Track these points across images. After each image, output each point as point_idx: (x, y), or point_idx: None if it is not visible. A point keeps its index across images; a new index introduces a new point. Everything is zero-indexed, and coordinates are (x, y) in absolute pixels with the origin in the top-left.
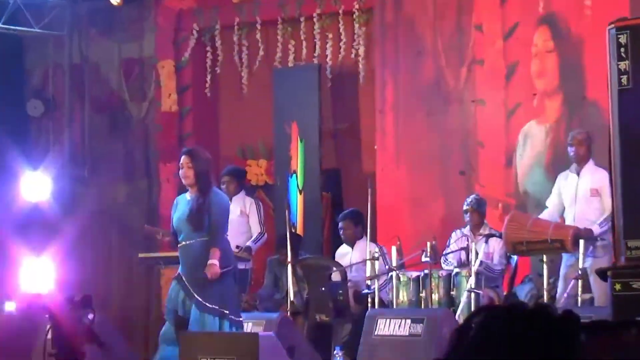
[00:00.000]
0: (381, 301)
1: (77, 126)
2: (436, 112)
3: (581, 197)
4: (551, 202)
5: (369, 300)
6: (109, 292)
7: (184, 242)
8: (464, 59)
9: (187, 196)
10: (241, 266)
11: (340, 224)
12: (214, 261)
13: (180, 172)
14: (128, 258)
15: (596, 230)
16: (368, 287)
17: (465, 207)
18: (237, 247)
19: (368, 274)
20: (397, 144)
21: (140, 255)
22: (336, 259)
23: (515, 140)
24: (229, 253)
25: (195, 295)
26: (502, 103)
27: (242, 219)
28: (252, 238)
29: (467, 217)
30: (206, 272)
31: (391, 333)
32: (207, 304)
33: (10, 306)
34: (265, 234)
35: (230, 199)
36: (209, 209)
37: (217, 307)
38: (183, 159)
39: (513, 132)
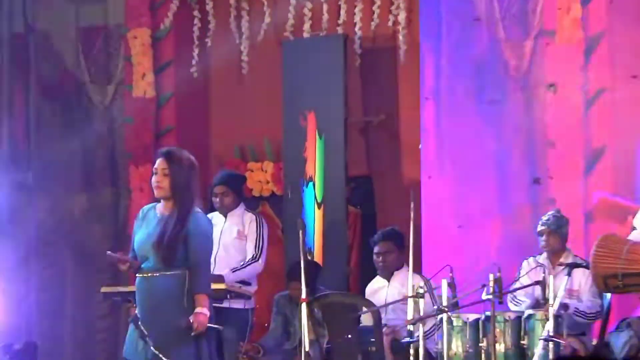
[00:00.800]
0: (428, 353)
1: (20, 116)
2: (493, 101)
3: None
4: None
5: (412, 351)
6: (60, 338)
7: (146, 274)
8: (529, 30)
9: (158, 211)
10: (238, 305)
11: (375, 249)
12: (203, 310)
13: (153, 178)
14: (86, 292)
15: None
16: (410, 334)
17: (540, 228)
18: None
19: (410, 316)
20: (445, 143)
21: (103, 289)
22: (367, 296)
23: (597, 136)
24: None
25: (158, 354)
26: (580, 89)
27: (242, 242)
28: (242, 262)
29: (542, 241)
30: (191, 321)
31: None
32: (162, 357)
33: None
34: (260, 260)
35: (225, 216)
36: (185, 238)
37: None
38: (158, 162)
39: (593, 127)
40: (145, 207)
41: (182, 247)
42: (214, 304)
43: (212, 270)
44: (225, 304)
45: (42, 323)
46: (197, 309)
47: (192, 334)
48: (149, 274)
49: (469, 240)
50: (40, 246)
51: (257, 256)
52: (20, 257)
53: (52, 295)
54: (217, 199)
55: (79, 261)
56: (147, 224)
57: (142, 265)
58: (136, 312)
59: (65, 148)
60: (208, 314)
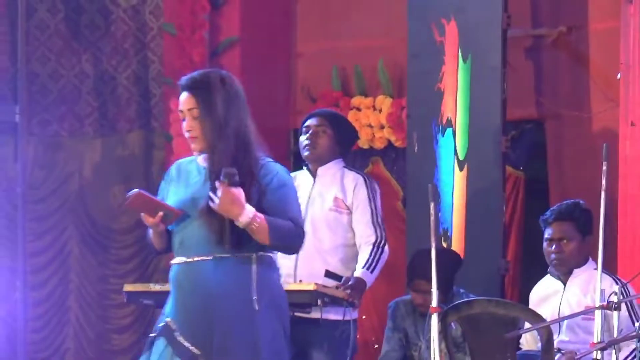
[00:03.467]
0: None
1: (2, 19)
2: None
3: None
4: None
5: None
6: (60, 359)
7: (190, 258)
8: None
9: (203, 165)
10: (334, 315)
11: (547, 232)
12: (249, 207)
13: (183, 125)
14: (99, 291)
15: None
16: None
17: None
18: (330, 275)
19: (597, 337)
20: None
21: (127, 287)
22: (532, 305)
23: None
24: (275, 283)
25: None
26: None
27: (340, 217)
28: (364, 258)
29: None
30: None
31: None
32: None
33: None
34: (385, 243)
35: (313, 175)
36: (267, 194)
37: None
38: (182, 99)
39: None
40: (183, 161)
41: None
42: (298, 313)
43: (295, 257)
44: (314, 314)
45: (32, 336)
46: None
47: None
48: (195, 258)
49: None
50: (31, 218)
51: (381, 239)
52: (1, 234)
53: (48, 295)
54: (308, 137)
55: (90, 242)
56: (186, 184)
57: (175, 247)
58: (167, 319)
59: (69, 69)
60: (247, 215)
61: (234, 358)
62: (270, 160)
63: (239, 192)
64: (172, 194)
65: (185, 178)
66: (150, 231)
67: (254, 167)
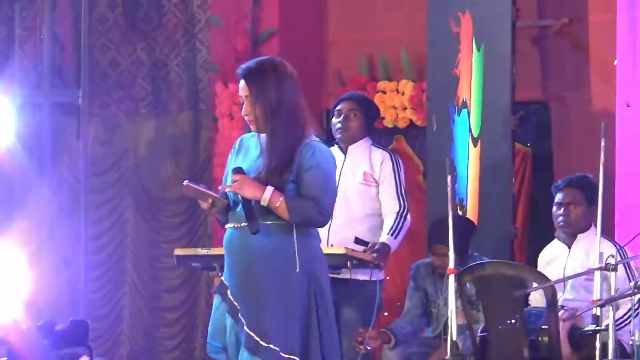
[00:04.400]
0: (620, 347)
1: (66, 14)
2: None
3: None
4: None
5: (597, 344)
6: (117, 317)
7: (241, 223)
8: None
9: (263, 141)
10: (362, 276)
11: (557, 196)
12: (267, 191)
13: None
14: (152, 256)
15: None
16: (596, 320)
17: None
18: (359, 241)
19: (597, 296)
20: None
21: (177, 251)
22: (539, 267)
23: None
24: (313, 249)
25: (243, 322)
26: None
27: (369, 190)
28: (389, 225)
29: None
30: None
31: None
32: (258, 340)
33: None
34: (408, 212)
35: (344, 152)
36: (298, 174)
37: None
38: (240, 86)
39: None
40: (246, 136)
41: (292, 187)
42: (329, 274)
43: (328, 225)
44: (344, 275)
45: (93, 296)
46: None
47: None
48: (242, 224)
49: None
50: (92, 191)
51: (404, 208)
52: (65, 205)
53: (107, 259)
54: (340, 120)
55: (143, 212)
56: (245, 156)
57: (230, 215)
58: (223, 278)
59: (126, 57)
60: (264, 196)
61: (271, 316)
62: (315, 140)
63: (250, 179)
64: (233, 165)
65: (245, 151)
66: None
67: (299, 145)
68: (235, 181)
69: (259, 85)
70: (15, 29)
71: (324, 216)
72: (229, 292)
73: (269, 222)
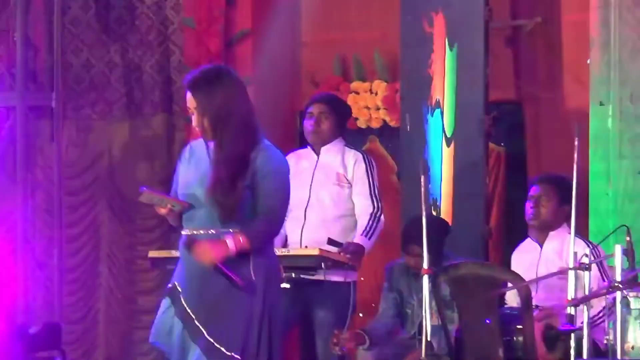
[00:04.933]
0: (594, 346)
1: (39, 15)
2: None
3: None
4: None
5: (572, 343)
6: (91, 319)
7: (196, 230)
8: None
9: (212, 148)
10: (336, 277)
11: (531, 190)
12: (230, 242)
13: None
14: (127, 258)
15: None
16: (570, 319)
17: None
18: (332, 242)
19: (571, 295)
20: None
21: (152, 253)
22: (513, 267)
23: None
24: (270, 255)
25: (203, 331)
26: None
27: (342, 191)
28: (362, 226)
29: None
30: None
31: None
32: (221, 348)
33: None
34: (382, 213)
35: (317, 153)
36: (253, 181)
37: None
38: (188, 96)
39: None
40: (195, 143)
41: (248, 194)
42: (303, 275)
43: (301, 226)
44: (318, 276)
45: (68, 299)
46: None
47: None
48: (200, 231)
49: None
50: (66, 194)
51: (378, 209)
52: (39, 208)
53: (81, 262)
54: (312, 123)
55: (118, 214)
56: (196, 164)
57: (184, 221)
58: (175, 282)
59: (99, 59)
60: (232, 246)
61: (228, 325)
62: (268, 145)
63: (209, 244)
64: (184, 173)
65: (196, 160)
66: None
67: (252, 150)
68: (197, 253)
69: (204, 95)
70: None
71: (279, 225)
72: (182, 298)
73: (226, 230)
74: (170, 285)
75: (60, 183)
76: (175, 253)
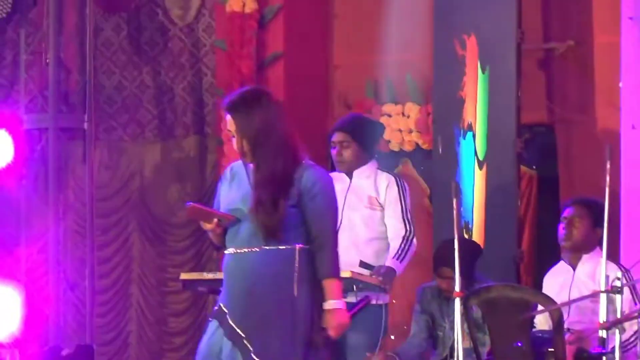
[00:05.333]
0: None
1: (72, 38)
2: None
3: None
4: None
5: None
6: (122, 341)
7: (240, 249)
8: None
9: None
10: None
11: (565, 212)
12: (335, 303)
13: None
14: (158, 279)
15: None
16: (602, 342)
17: None
18: (364, 265)
19: (603, 318)
20: None
21: (184, 275)
22: (545, 290)
23: None
24: (313, 273)
25: (250, 349)
26: None
27: (374, 214)
28: (394, 249)
29: None
30: (328, 328)
31: None
32: None
33: None
34: (414, 236)
35: (349, 176)
36: (298, 201)
37: None
38: (227, 119)
39: None
40: (236, 164)
41: (293, 212)
42: None
43: None
44: (350, 298)
45: (99, 321)
46: (331, 303)
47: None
48: (244, 249)
49: None
50: (97, 215)
51: (410, 232)
52: (71, 229)
53: (113, 284)
54: (335, 153)
55: (150, 236)
56: (238, 185)
57: (228, 240)
58: (220, 304)
59: (131, 81)
60: (343, 306)
61: (273, 341)
62: (311, 164)
63: (336, 321)
64: (225, 192)
65: (237, 181)
66: (211, 233)
67: (294, 172)
68: (335, 331)
69: (243, 118)
70: (21, 54)
71: (337, 243)
72: (228, 317)
73: (272, 248)
74: (216, 307)
75: (92, 205)
76: (207, 275)
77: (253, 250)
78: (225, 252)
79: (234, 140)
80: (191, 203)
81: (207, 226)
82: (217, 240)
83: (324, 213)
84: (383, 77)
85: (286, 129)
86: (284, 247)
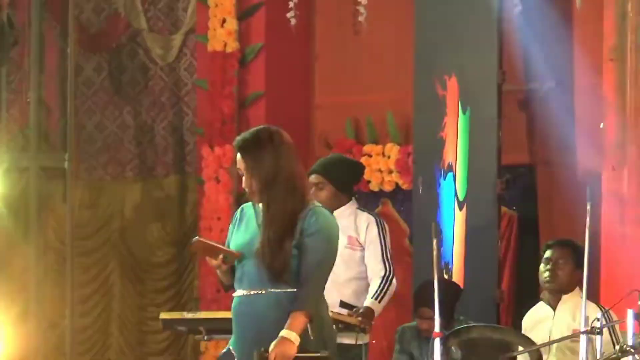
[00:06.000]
0: None
1: (52, 76)
2: None
3: None
4: None
5: None
6: None
7: (245, 291)
8: None
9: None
10: (347, 340)
11: (547, 253)
12: (290, 334)
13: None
14: (138, 319)
15: None
16: None
17: None
18: (344, 305)
19: (583, 358)
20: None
21: (163, 315)
22: (524, 330)
23: None
24: (327, 325)
25: None
26: None
27: (354, 254)
28: (373, 289)
29: None
30: (269, 352)
31: None
32: None
33: None
34: (394, 276)
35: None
36: (300, 242)
37: None
38: (237, 158)
39: None
40: (246, 205)
41: (295, 252)
42: None
43: None
44: (350, 340)
45: (78, 359)
46: (283, 332)
47: None
48: (252, 292)
49: None
50: (77, 254)
51: (390, 272)
52: (50, 269)
53: (93, 323)
54: (312, 193)
55: (130, 275)
56: (246, 226)
57: (236, 282)
58: (230, 346)
59: (112, 121)
60: (296, 340)
61: None
62: (317, 206)
63: (278, 351)
64: (235, 235)
65: (246, 222)
66: (218, 271)
67: (300, 211)
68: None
69: (254, 157)
70: (2, 92)
71: (324, 283)
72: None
73: (279, 290)
74: (225, 350)
75: (72, 244)
76: (187, 315)
77: (260, 292)
78: (234, 294)
79: (243, 179)
80: (198, 238)
81: (213, 262)
82: (225, 279)
83: (316, 250)
84: (364, 117)
85: (296, 170)
86: (290, 289)
